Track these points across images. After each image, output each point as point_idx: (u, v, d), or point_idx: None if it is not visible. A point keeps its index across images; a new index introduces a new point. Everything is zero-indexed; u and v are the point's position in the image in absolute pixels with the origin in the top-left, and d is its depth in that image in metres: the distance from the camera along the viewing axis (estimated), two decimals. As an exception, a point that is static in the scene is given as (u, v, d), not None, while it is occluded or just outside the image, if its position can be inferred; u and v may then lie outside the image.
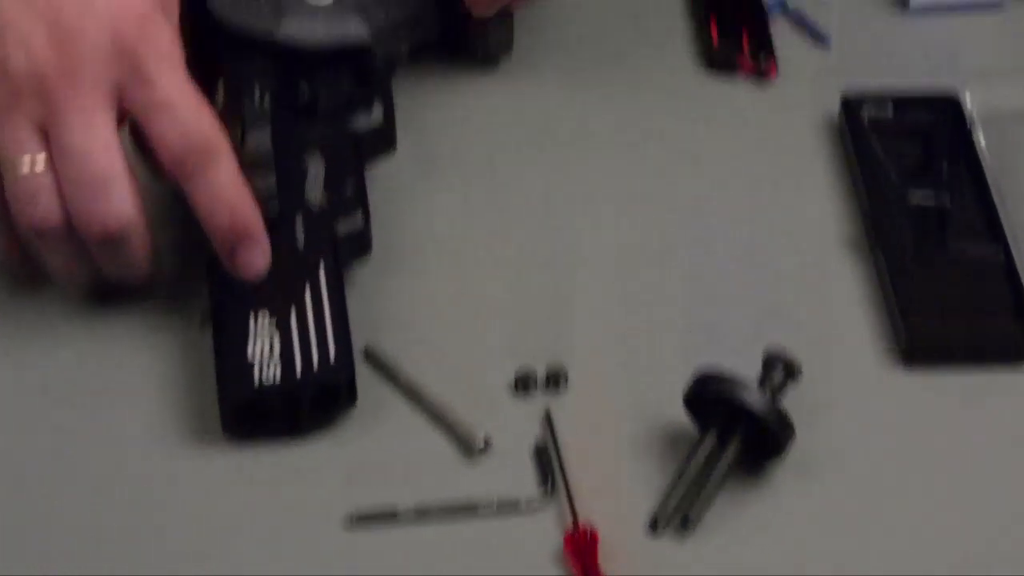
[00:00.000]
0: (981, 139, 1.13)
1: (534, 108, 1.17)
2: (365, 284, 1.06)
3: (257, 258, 0.99)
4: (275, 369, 0.97)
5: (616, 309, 1.06)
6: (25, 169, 0.95)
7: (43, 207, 0.95)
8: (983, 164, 1.11)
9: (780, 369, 0.99)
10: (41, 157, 0.95)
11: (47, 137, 0.95)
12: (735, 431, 0.97)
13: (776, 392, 0.98)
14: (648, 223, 1.11)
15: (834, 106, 1.16)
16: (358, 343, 1.01)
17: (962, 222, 1.09)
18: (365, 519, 0.95)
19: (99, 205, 0.95)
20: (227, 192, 0.98)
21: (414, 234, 1.09)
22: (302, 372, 0.97)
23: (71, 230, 0.96)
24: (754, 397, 0.96)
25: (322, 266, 1.01)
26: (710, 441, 0.97)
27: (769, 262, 1.09)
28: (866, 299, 1.06)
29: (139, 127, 0.97)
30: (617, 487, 0.97)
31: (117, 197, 0.96)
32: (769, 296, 1.06)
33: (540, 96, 1.18)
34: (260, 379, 0.97)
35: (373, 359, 1.03)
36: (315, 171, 1.05)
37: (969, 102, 1.14)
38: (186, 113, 0.96)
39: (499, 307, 1.06)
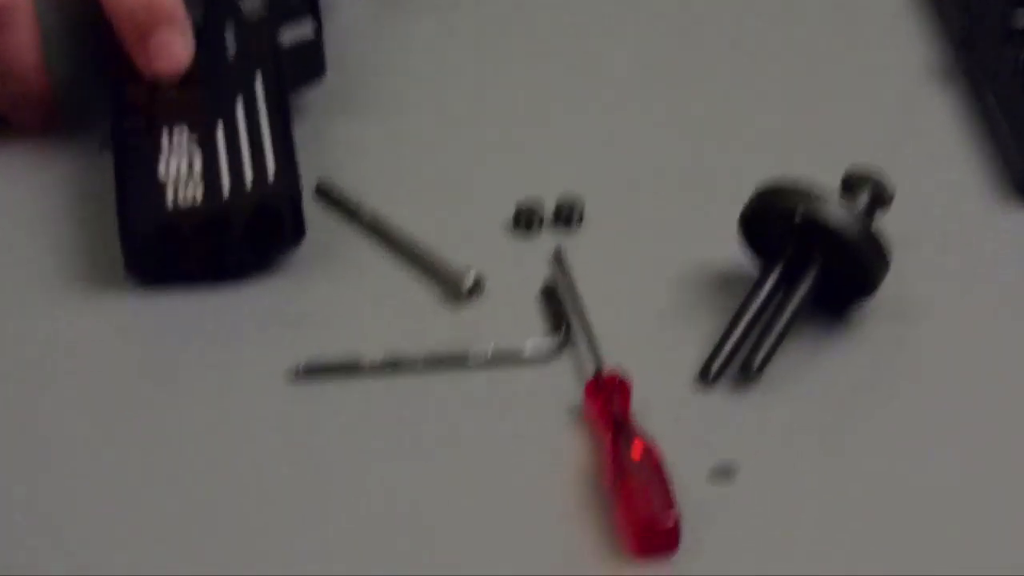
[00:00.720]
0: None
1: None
2: (319, 115, 0.87)
3: (176, 43, 0.81)
4: (195, 189, 0.77)
5: (641, 140, 0.87)
6: None
7: None
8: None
9: (865, 191, 0.78)
10: None
11: None
12: (811, 261, 0.76)
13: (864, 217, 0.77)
14: (680, 58, 0.92)
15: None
16: (308, 180, 0.81)
17: None
18: (317, 370, 0.73)
19: None
20: None
21: (379, 63, 0.91)
22: (231, 191, 0.77)
23: None
24: (839, 212, 0.75)
25: (259, 78, 0.82)
26: (775, 275, 0.77)
27: (837, 94, 0.91)
28: (965, 131, 0.88)
29: None
30: (651, 336, 0.78)
31: None
32: (843, 129, 0.89)
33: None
34: (175, 200, 0.77)
35: (327, 195, 0.82)
36: (252, -23, 0.84)
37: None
38: None
39: (487, 140, 0.87)
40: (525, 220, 0.81)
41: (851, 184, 0.78)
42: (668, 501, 0.68)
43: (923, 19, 0.94)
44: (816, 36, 0.93)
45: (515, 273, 0.79)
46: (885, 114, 0.88)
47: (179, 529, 0.69)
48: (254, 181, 0.77)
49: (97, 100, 0.85)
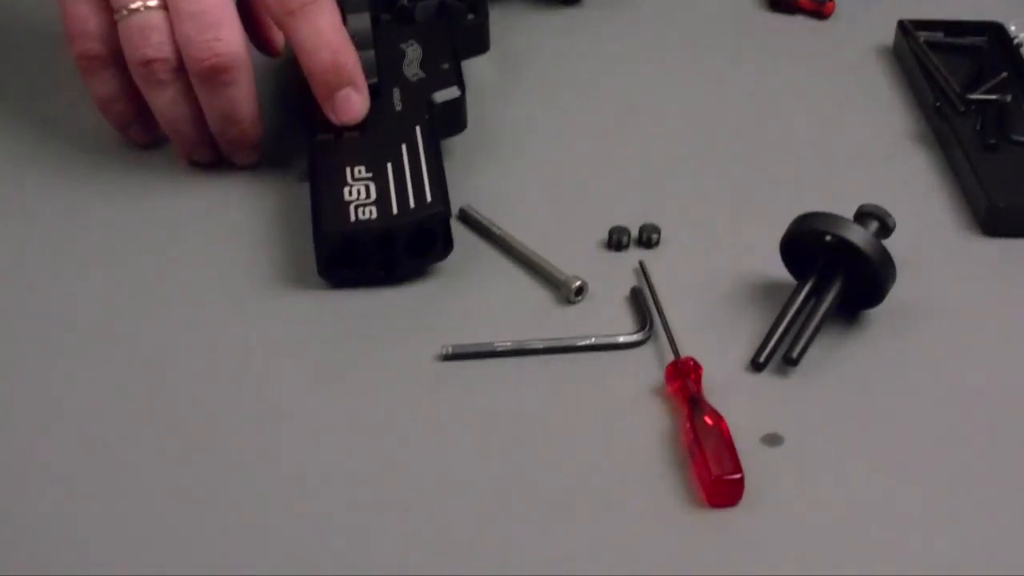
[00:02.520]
0: (1029, 56, 0.81)
1: (610, 40, 0.86)
2: (460, 160, 0.75)
3: (355, 100, 0.70)
4: (371, 209, 0.67)
5: (703, 180, 0.75)
6: (139, 5, 0.69)
7: (155, 39, 0.69)
8: (1034, 72, 0.80)
9: (875, 222, 0.67)
10: None
11: None
12: (836, 275, 0.66)
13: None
14: (722, 130, 0.80)
15: (887, 37, 0.86)
16: (454, 208, 0.70)
17: (1020, 115, 0.79)
18: (461, 354, 0.62)
19: (209, 35, 0.69)
20: (328, 35, 0.69)
21: (505, 121, 0.79)
22: (398, 209, 0.66)
23: (180, 66, 0.69)
24: (861, 234, 0.64)
25: (419, 129, 0.71)
26: (808, 286, 0.67)
27: (843, 153, 0.78)
28: (939, 181, 0.77)
29: None
30: (712, 332, 0.66)
31: (226, 30, 0.69)
32: (848, 180, 0.76)
33: (616, 31, 0.87)
34: (356, 216, 0.66)
35: (468, 219, 0.71)
36: (412, 55, 0.75)
37: (1014, 28, 0.84)
38: None
39: (587, 183, 0.75)
40: (616, 241, 0.70)
41: (863, 215, 0.68)
42: (734, 461, 0.58)
43: (903, 94, 0.82)
44: (824, 107, 0.81)
45: (609, 282, 0.68)
46: (876, 168, 0.76)
47: (358, 474, 0.59)
48: (415, 204, 0.66)
49: (291, 144, 0.74)
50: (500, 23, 0.83)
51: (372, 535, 0.56)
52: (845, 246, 0.64)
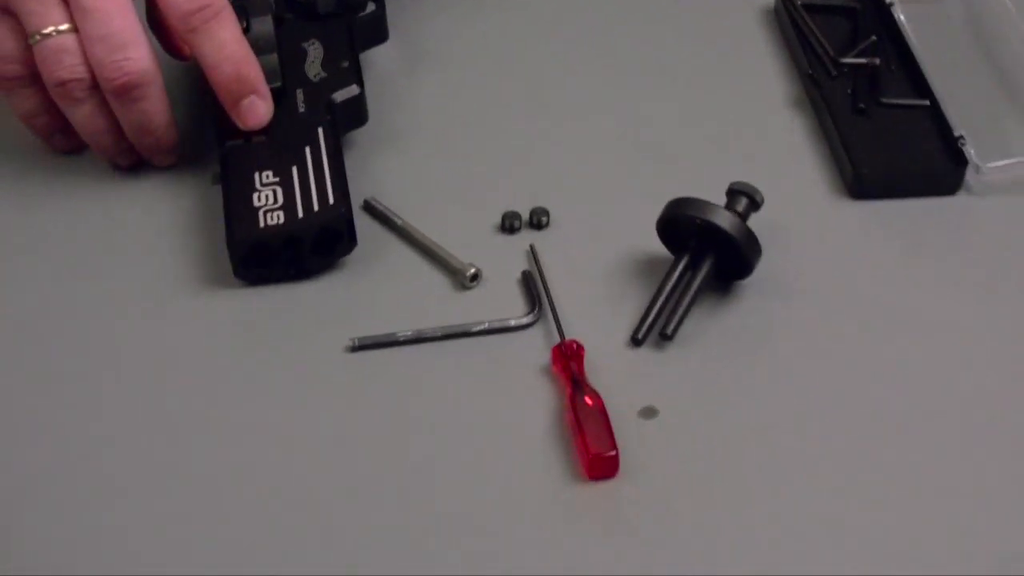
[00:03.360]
0: (901, 15, 0.87)
1: (512, 11, 0.92)
2: (363, 151, 0.81)
3: (259, 107, 0.76)
4: (279, 214, 0.73)
5: (590, 166, 0.81)
6: (51, 30, 0.74)
7: (68, 62, 0.75)
8: (905, 34, 0.86)
9: (743, 199, 0.74)
10: (65, 20, 0.74)
11: (67, 5, 0.74)
12: (707, 253, 0.73)
13: (742, 218, 0.72)
14: (612, 95, 0.86)
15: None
16: (357, 199, 0.77)
17: (891, 78, 0.84)
18: (367, 344, 0.69)
19: (119, 55, 0.74)
20: (229, 46, 0.75)
21: (405, 110, 0.84)
22: (303, 213, 0.73)
23: (94, 84, 0.75)
24: (725, 217, 0.71)
25: (321, 130, 0.77)
26: (683, 263, 0.73)
27: (724, 119, 0.84)
28: (813, 146, 0.83)
29: None
30: (598, 309, 0.73)
31: (135, 50, 0.74)
32: (727, 147, 0.82)
33: (512, 4, 0.92)
34: (265, 222, 0.72)
35: (372, 210, 0.78)
36: (314, 54, 0.80)
37: (888, -14, 0.89)
38: None
39: (481, 167, 0.81)
40: (508, 225, 0.76)
41: (734, 193, 0.74)
42: (610, 439, 0.65)
43: (783, 57, 0.88)
44: (707, 75, 0.87)
45: (502, 265, 0.74)
46: (754, 135, 0.82)
47: (274, 461, 0.66)
48: (319, 207, 0.73)
49: (206, 143, 0.80)
50: (397, 3, 0.89)
51: (289, 517, 0.64)
52: (713, 229, 0.71)
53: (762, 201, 0.74)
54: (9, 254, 0.76)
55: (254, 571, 0.62)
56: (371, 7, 0.84)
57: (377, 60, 0.86)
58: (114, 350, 0.71)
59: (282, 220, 0.72)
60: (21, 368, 0.70)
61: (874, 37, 0.86)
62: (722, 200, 0.74)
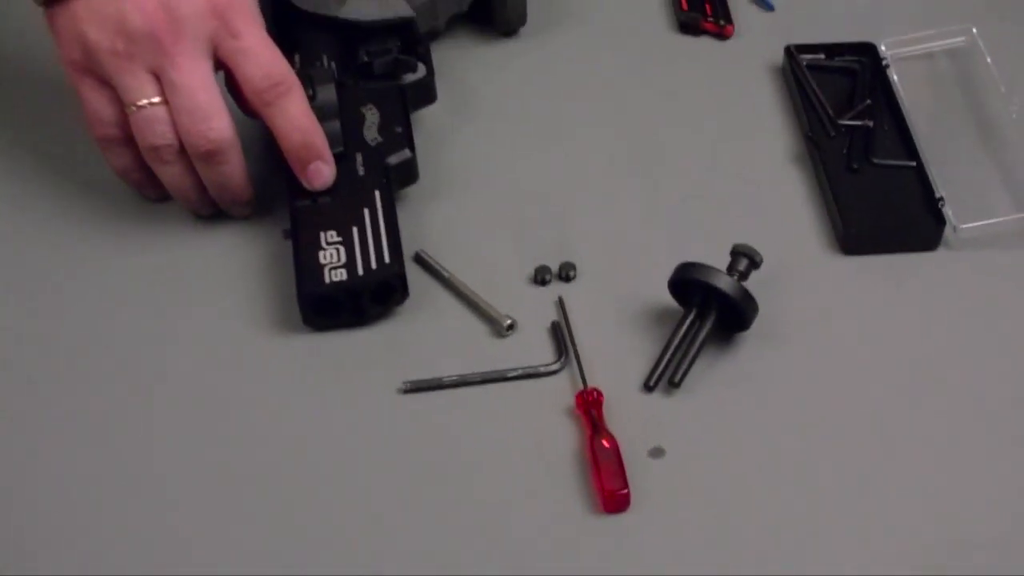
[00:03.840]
0: (894, 76, 0.98)
1: (543, 66, 1.03)
2: (415, 206, 0.93)
3: (324, 171, 0.88)
4: (342, 271, 0.85)
5: (613, 218, 0.92)
6: (145, 103, 0.85)
7: (160, 130, 0.86)
8: (897, 94, 0.97)
9: (744, 260, 0.86)
10: (157, 94, 0.86)
11: (159, 80, 0.85)
12: (711, 309, 0.84)
13: (742, 277, 0.85)
14: (634, 150, 0.97)
15: (779, 56, 1.02)
16: (409, 250, 0.89)
17: (884, 137, 0.95)
18: (417, 388, 0.82)
19: (203, 126, 0.86)
20: (298, 119, 0.87)
21: (451, 166, 0.95)
22: (363, 271, 0.84)
23: (181, 148, 0.87)
24: (725, 281, 0.83)
25: (378, 192, 0.88)
26: (690, 317, 0.85)
27: (732, 176, 0.95)
28: (810, 202, 0.93)
29: (229, 72, 0.88)
30: (616, 356, 0.84)
31: (217, 120, 0.86)
32: (734, 203, 0.93)
33: (548, 57, 1.03)
34: (330, 278, 0.84)
35: (422, 262, 0.89)
36: (371, 118, 0.91)
37: (884, 48, 1.00)
38: (265, 56, 0.87)
39: (519, 220, 0.92)
40: (540, 278, 0.87)
41: (736, 254, 0.85)
42: (623, 478, 0.77)
43: (788, 115, 0.98)
44: (718, 130, 0.97)
45: (534, 314, 0.86)
46: (757, 191, 0.93)
47: (332, 486, 0.79)
48: (376, 266, 0.84)
49: (278, 197, 0.91)
50: (444, 57, 1.00)
51: (345, 535, 0.76)
52: (715, 291, 0.83)
53: (761, 261, 0.85)
54: (103, 289, 0.88)
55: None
56: (422, 70, 0.96)
57: (426, 118, 0.97)
58: (192, 382, 0.83)
59: (345, 277, 0.84)
60: (109, 390, 0.83)
61: (869, 101, 0.97)
62: (727, 255, 0.85)
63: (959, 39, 1.01)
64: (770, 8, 1.06)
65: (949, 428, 0.80)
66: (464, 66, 1.01)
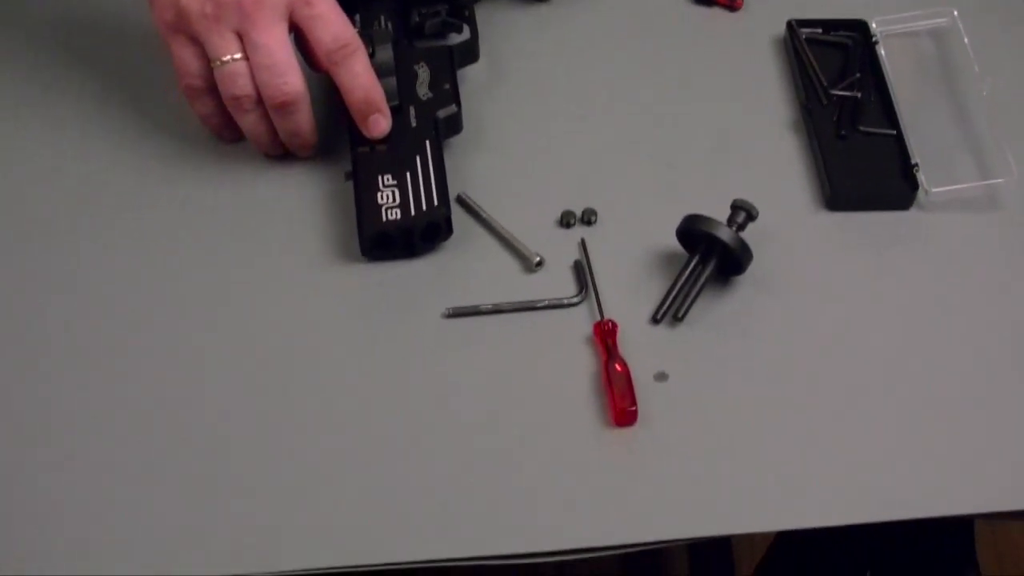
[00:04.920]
0: (882, 51, 1.10)
1: (572, 32, 1.14)
2: (458, 154, 1.05)
3: (381, 122, 1.00)
4: (396, 211, 0.98)
5: (630, 172, 1.05)
6: (229, 58, 0.98)
7: (241, 82, 0.98)
8: (883, 68, 1.09)
9: (743, 213, 0.98)
10: (239, 51, 0.98)
11: (242, 40, 0.98)
12: (712, 255, 0.97)
13: (740, 228, 0.97)
14: (649, 112, 1.09)
15: (783, 29, 1.13)
16: (453, 193, 1.01)
17: (870, 108, 1.07)
18: (458, 313, 0.95)
19: (279, 80, 0.98)
20: (361, 77, 0.99)
21: (491, 119, 1.07)
22: (415, 211, 0.97)
23: (259, 100, 0.99)
24: (725, 231, 0.95)
25: (428, 143, 1.00)
26: (694, 262, 0.97)
27: (736, 139, 1.07)
28: (803, 164, 1.05)
29: (302, 34, 1.00)
30: (630, 292, 0.97)
31: (291, 76, 0.98)
32: (736, 163, 1.05)
33: (576, 23, 1.15)
34: (386, 216, 0.97)
35: (464, 204, 1.02)
36: (423, 76, 1.04)
37: (875, 26, 1.12)
38: (334, 21, 0.99)
39: (548, 169, 1.04)
40: (566, 221, 1.00)
41: (736, 208, 0.98)
42: (632, 397, 0.90)
43: (787, 85, 1.10)
44: (724, 96, 1.09)
45: (560, 253, 0.98)
46: (757, 153, 1.04)
47: (380, 406, 0.92)
48: (426, 207, 0.97)
49: (339, 143, 1.03)
50: (484, 20, 1.11)
51: (394, 443, 0.90)
52: (715, 240, 0.97)
53: (757, 215, 0.98)
54: (184, 218, 1.01)
55: (354, 499, 0.89)
56: (466, 32, 1.09)
57: (470, 76, 1.10)
58: (259, 305, 0.95)
59: (399, 216, 0.97)
60: (185, 307, 0.96)
61: (858, 74, 1.09)
62: (728, 208, 0.99)
63: (941, 20, 1.12)
64: (777, -16, 1.18)
65: (913, 353, 0.93)
66: (503, 30, 1.14)
